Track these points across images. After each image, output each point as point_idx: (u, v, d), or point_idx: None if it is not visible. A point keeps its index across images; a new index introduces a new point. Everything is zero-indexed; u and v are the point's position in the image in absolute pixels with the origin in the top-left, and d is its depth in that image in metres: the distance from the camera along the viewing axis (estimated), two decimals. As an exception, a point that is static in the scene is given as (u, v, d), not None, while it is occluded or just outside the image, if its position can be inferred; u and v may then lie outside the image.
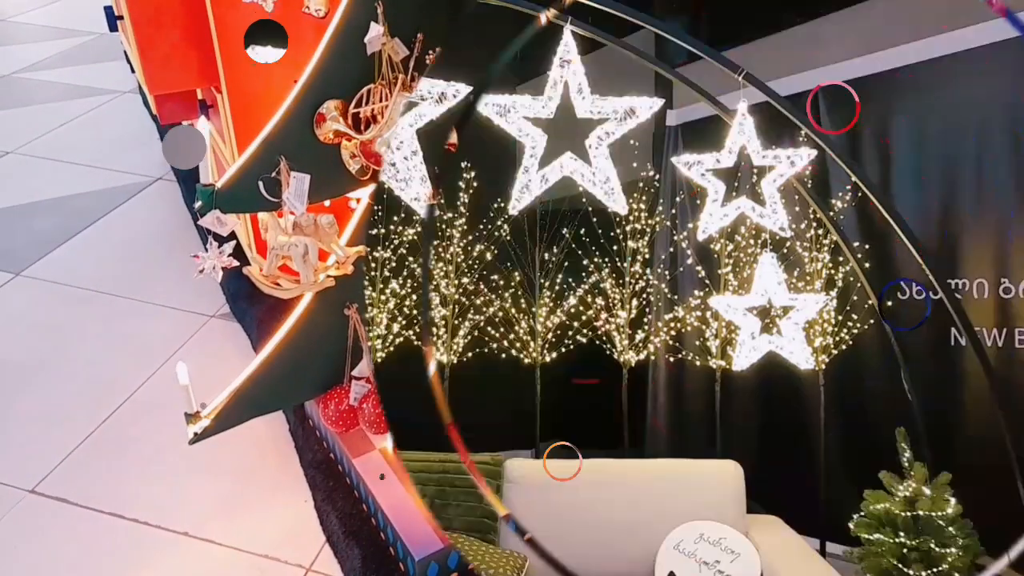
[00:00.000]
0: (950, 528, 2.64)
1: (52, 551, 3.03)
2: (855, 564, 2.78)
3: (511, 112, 3.02)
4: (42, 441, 3.58)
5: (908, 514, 2.67)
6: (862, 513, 2.79)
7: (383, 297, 3.56)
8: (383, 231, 3.54)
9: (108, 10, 4.51)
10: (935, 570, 2.61)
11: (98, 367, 4.10)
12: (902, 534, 2.66)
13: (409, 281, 3.54)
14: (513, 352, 3.53)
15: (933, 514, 2.65)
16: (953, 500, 2.68)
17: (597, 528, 2.87)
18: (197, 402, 2.81)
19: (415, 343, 3.54)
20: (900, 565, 2.65)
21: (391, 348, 3.56)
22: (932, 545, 2.63)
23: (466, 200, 3.50)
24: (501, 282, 3.53)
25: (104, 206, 5.64)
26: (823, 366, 3.20)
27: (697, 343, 3.42)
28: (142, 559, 3.00)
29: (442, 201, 3.47)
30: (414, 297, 3.55)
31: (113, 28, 4.40)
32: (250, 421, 3.23)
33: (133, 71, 4.00)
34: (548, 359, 3.51)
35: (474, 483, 2.95)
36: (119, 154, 6.33)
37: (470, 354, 3.54)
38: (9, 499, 3.27)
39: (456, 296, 3.55)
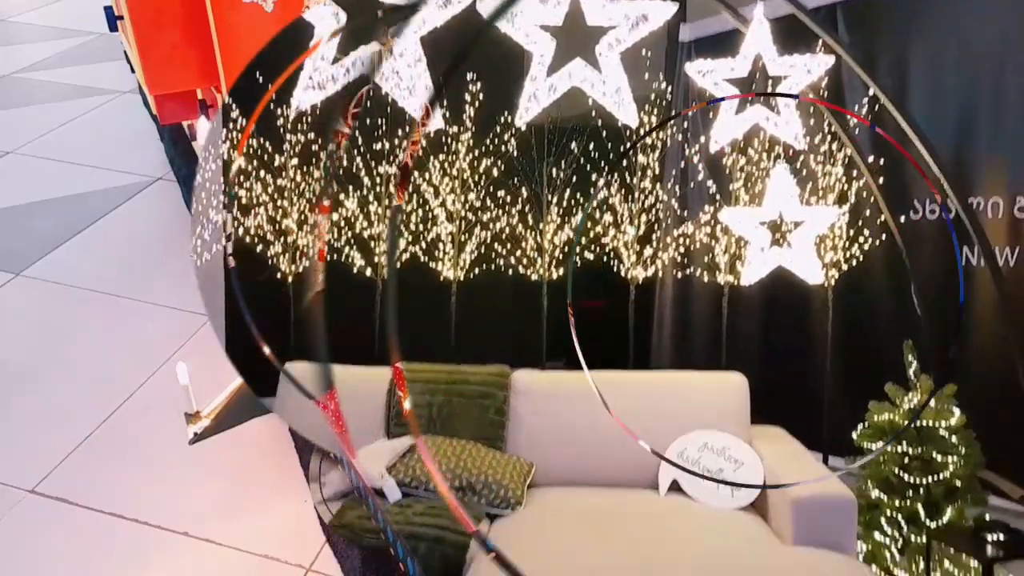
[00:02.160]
0: (953, 438, 2.66)
1: (52, 551, 3.02)
2: (857, 473, 2.82)
3: (518, 17, 2.93)
4: (42, 441, 3.56)
5: (912, 424, 2.69)
6: (866, 424, 2.81)
7: (388, 213, 3.52)
8: (387, 146, 3.48)
9: (108, 10, 4.47)
10: (935, 478, 2.64)
11: (98, 367, 4.07)
12: (904, 443, 2.68)
13: (415, 196, 3.50)
14: (520, 269, 3.51)
15: (936, 424, 2.67)
16: (957, 411, 2.69)
17: (602, 437, 2.89)
18: (196, 402, 2.77)
19: (422, 259, 3.53)
20: (901, 473, 2.68)
21: (398, 264, 3.54)
22: (934, 454, 2.65)
23: (472, 114, 3.43)
24: (508, 198, 3.49)
25: (104, 206, 5.62)
26: (832, 281, 3.18)
27: (706, 259, 3.39)
28: (142, 559, 2.99)
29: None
30: (419, 213, 3.51)
31: (113, 28, 4.38)
32: (250, 421, 3.23)
33: (133, 71, 3.98)
34: (555, 276, 3.49)
35: (482, 393, 2.98)
36: (119, 154, 6.33)
37: (476, 270, 3.52)
38: (9, 499, 3.25)
39: (462, 212, 3.51)
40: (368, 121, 3.47)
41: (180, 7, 3.54)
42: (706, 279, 3.38)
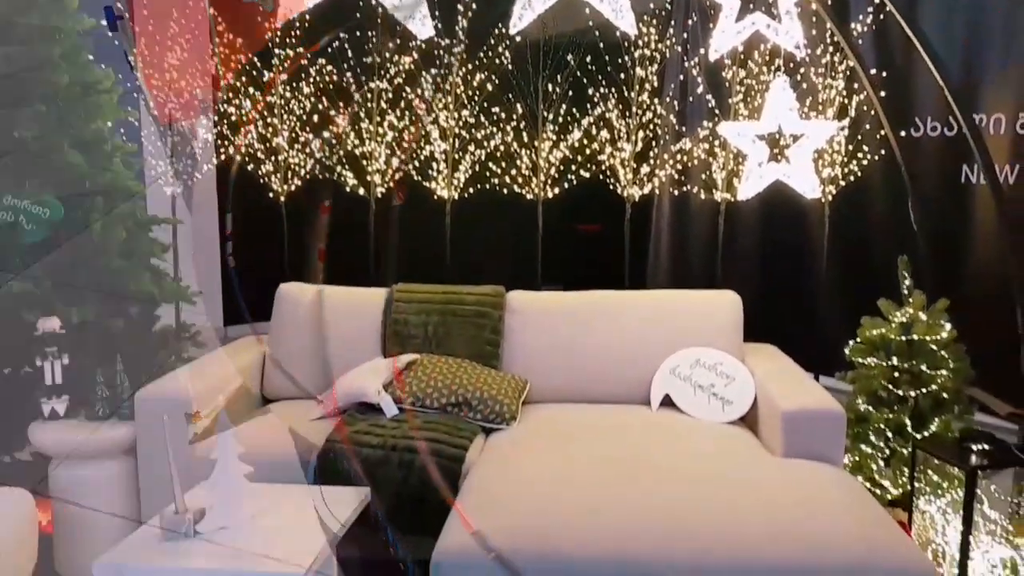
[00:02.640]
0: (942, 352, 2.68)
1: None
2: (847, 387, 2.85)
3: (512, -81, 2.81)
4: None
5: (903, 338, 2.70)
6: (858, 340, 2.83)
7: (380, 130, 3.45)
8: (377, 60, 3.38)
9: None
10: (924, 391, 2.68)
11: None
12: (895, 358, 2.71)
13: (407, 113, 3.43)
14: (515, 188, 3.47)
15: (927, 338, 2.68)
16: (948, 326, 2.70)
17: (596, 354, 2.92)
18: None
19: (415, 178, 3.48)
20: (890, 386, 2.71)
21: (391, 183, 3.50)
22: (923, 367, 2.67)
23: (465, 25, 3.31)
24: (503, 114, 3.41)
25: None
26: (829, 197, 3.14)
27: (703, 176, 3.34)
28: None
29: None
30: (412, 130, 3.44)
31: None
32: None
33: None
34: (551, 195, 3.45)
35: (477, 312, 2.99)
36: (119, 154, 6.20)
37: (471, 190, 3.48)
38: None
39: (456, 130, 3.44)
40: (358, 33, 3.36)
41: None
42: (703, 196, 3.35)
